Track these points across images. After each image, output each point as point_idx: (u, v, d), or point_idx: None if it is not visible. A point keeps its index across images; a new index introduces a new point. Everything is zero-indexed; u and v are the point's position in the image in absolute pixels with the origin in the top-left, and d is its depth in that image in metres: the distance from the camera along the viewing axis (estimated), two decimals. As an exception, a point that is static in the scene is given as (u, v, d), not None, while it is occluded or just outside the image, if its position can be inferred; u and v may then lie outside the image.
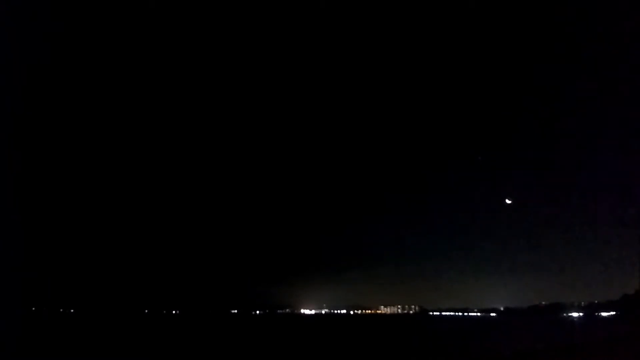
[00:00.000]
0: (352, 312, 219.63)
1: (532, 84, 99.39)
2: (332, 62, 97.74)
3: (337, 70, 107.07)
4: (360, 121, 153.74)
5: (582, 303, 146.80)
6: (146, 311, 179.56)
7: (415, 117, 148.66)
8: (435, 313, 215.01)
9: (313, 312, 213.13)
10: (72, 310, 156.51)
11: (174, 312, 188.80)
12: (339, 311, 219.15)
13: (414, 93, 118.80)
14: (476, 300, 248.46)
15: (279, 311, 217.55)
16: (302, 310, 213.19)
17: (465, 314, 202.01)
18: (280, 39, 79.85)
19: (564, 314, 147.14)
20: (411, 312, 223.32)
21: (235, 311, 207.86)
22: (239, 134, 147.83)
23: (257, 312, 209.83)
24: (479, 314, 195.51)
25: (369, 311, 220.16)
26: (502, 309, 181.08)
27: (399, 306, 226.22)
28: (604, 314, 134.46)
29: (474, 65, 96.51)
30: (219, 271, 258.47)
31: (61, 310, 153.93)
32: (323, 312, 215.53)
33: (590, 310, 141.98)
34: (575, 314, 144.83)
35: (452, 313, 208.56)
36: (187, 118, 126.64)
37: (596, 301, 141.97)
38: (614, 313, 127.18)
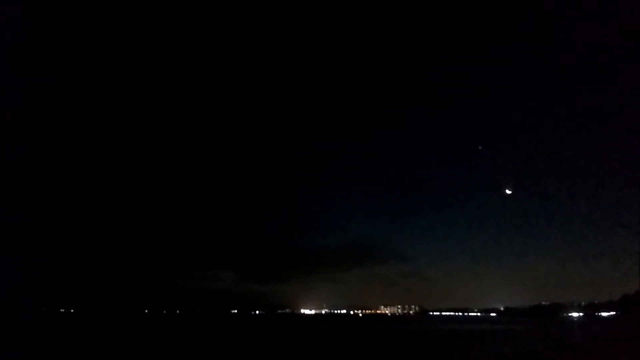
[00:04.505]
0: (352, 312, 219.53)
1: (533, 80, 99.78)
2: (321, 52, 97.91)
3: (333, 67, 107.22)
4: (362, 122, 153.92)
5: (582, 303, 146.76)
6: (146, 311, 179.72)
7: (416, 117, 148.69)
8: (435, 313, 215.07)
9: (313, 312, 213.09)
10: (72, 310, 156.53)
11: (171, 312, 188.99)
12: (339, 311, 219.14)
13: (414, 92, 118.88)
14: (476, 300, 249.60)
15: (279, 311, 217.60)
16: (302, 310, 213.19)
17: (466, 314, 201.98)
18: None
19: (564, 314, 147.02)
20: (411, 312, 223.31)
21: (235, 311, 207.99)
22: (239, 138, 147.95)
23: (257, 312, 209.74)
24: (479, 314, 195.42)
25: (369, 311, 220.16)
26: (502, 309, 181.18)
27: (399, 306, 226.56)
28: (604, 314, 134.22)
29: (476, 59, 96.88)
30: (219, 271, 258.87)
31: (61, 310, 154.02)
32: (323, 312, 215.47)
33: (590, 310, 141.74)
34: (575, 314, 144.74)
35: (452, 313, 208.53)
36: (169, 123, 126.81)
37: (596, 301, 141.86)
38: (614, 313, 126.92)
